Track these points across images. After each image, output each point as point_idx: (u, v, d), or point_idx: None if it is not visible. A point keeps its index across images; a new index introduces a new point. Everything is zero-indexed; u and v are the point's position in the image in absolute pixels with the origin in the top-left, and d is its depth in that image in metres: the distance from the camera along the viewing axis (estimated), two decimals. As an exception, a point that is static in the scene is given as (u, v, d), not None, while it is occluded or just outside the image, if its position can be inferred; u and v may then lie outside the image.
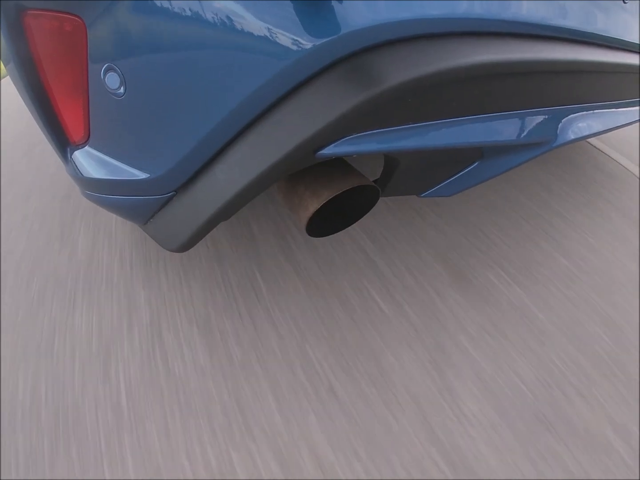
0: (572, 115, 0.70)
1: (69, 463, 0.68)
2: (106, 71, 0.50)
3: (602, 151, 1.31)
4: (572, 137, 0.69)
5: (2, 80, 2.84)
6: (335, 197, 0.72)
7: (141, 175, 0.57)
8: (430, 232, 1.02)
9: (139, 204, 0.61)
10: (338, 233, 1.01)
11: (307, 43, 0.41)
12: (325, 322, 0.83)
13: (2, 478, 0.68)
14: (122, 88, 0.51)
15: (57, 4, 0.49)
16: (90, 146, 0.62)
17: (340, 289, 0.89)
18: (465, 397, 0.70)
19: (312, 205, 0.60)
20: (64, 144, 0.65)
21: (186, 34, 0.44)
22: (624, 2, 0.70)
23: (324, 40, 0.41)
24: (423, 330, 0.80)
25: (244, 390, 0.74)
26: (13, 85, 0.68)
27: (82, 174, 0.64)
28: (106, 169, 0.61)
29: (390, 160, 0.59)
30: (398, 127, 0.48)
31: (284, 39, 0.41)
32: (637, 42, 0.74)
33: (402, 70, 0.43)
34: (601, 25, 0.64)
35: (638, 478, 0.60)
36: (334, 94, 0.42)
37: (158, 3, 0.43)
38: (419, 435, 0.66)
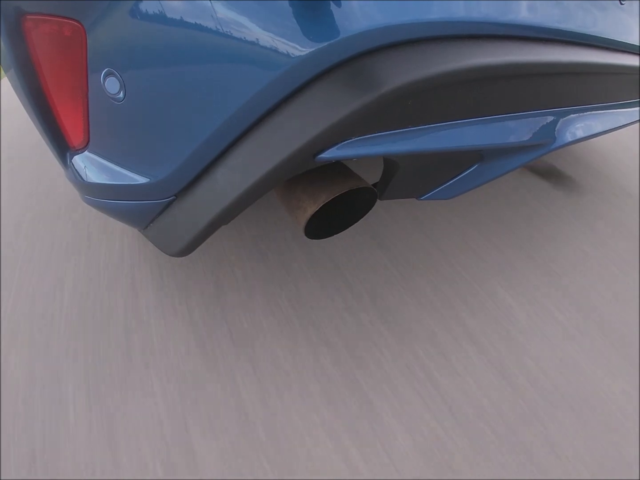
0: (571, 117, 0.70)
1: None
2: (106, 76, 0.50)
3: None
4: (572, 138, 0.69)
5: (2, 80, 2.82)
6: (333, 199, 0.72)
7: (141, 179, 0.57)
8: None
9: (139, 209, 0.61)
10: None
11: (306, 47, 0.41)
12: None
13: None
14: (121, 93, 0.51)
15: (57, 8, 0.49)
16: (90, 151, 0.62)
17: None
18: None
19: (310, 208, 0.60)
20: (63, 148, 0.64)
21: (185, 38, 0.44)
22: (621, 3, 0.70)
23: (323, 44, 0.41)
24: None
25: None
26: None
27: (81, 179, 0.64)
28: (106, 173, 0.61)
29: (390, 164, 0.59)
30: (397, 130, 0.48)
31: (283, 43, 0.41)
32: (635, 44, 0.74)
33: (401, 73, 0.43)
34: (599, 27, 0.64)
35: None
36: (334, 98, 0.43)
37: (157, 7, 0.43)
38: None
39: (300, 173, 0.55)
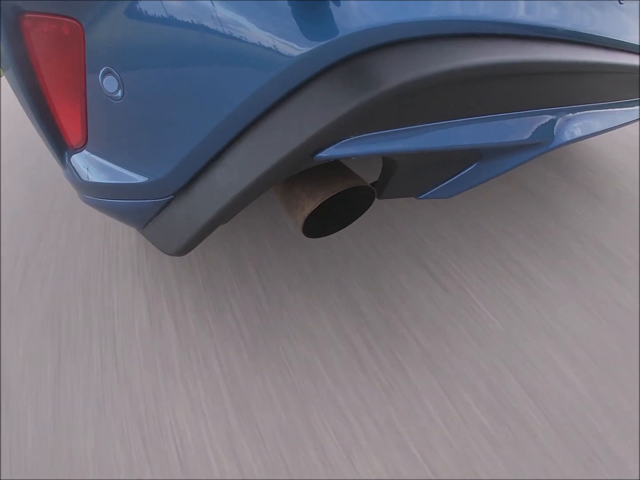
0: (570, 116, 0.70)
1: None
2: (104, 74, 0.50)
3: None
4: (570, 137, 0.69)
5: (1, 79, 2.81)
6: (332, 198, 0.72)
7: (140, 178, 0.57)
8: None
9: (138, 208, 0.61)
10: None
11: (305, 46, 0.41)
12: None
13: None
14: (119, 91, 0.50)
15: (55, 7, 0.49)
16: (88, 150, 0.62)
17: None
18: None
19: (308, 206, 0.60)
20: (61, 147, 0.64)
21: (182, 37, 0.44)
22: (620, 3, 0.70)
23: (321, 43, 0.41)
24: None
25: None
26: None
27: (80, 178, 0.64)
28: (104, 172, 0.60)
29: (389, 162, 0.59)
30: (396, 129, 0.48)
31: (281, 42, 0.41)
32: (634, 43, 0.74)
33: (399, 72, 0.43)
34: (598, 26, 0.64)
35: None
36: (332, 97, 0.42)
37: (155, 6, 0.43)
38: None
39: (299, 172, 0.56)
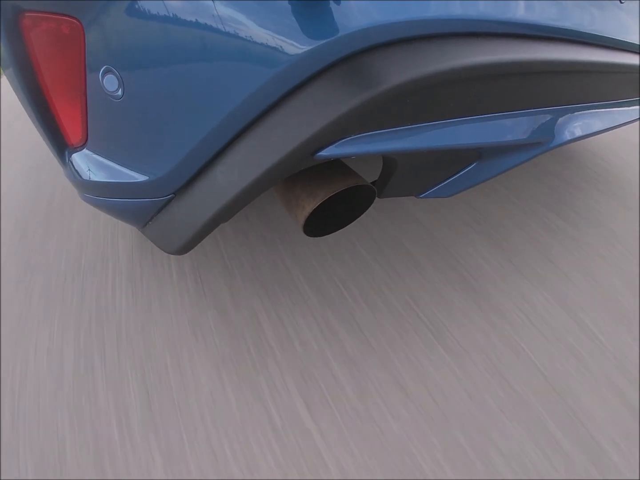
0: (570, 115, 0.70)
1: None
2: (104, 73, 0.50)
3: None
4: (570, 137, 0.69)
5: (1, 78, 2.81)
6: (332, 197, 0.72)
7: (140, 177, 0.57)
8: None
9: (138, 207, 0.61)
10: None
11: (305, 45, 0.41)
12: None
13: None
14: (120, 90, 0.50)
15: (55, 6, 0.49)
16: (89, 149, 0.62)
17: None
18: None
19: (309, 206, 0.60)
20: (62, 146, 0.64)
21: (183, 36, 0.44)
22: (621, 2, 0.70)
23: (322, 42, 0.41)
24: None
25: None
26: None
27: (80, 177, 0.64)
28: (104, 171, 0.60)
29: (389, 161, 0.59)
30: (396, 128, 0.48)
31: (282, 41, 0.41)
32: (634, 42, 0.74)
33: (399, 71, 0.43)
34: (598, 25, 0.64)
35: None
36: (333, 96, 0.43)
37: (155, 5, 0.43)
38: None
39: (299, 171, 0.56)
